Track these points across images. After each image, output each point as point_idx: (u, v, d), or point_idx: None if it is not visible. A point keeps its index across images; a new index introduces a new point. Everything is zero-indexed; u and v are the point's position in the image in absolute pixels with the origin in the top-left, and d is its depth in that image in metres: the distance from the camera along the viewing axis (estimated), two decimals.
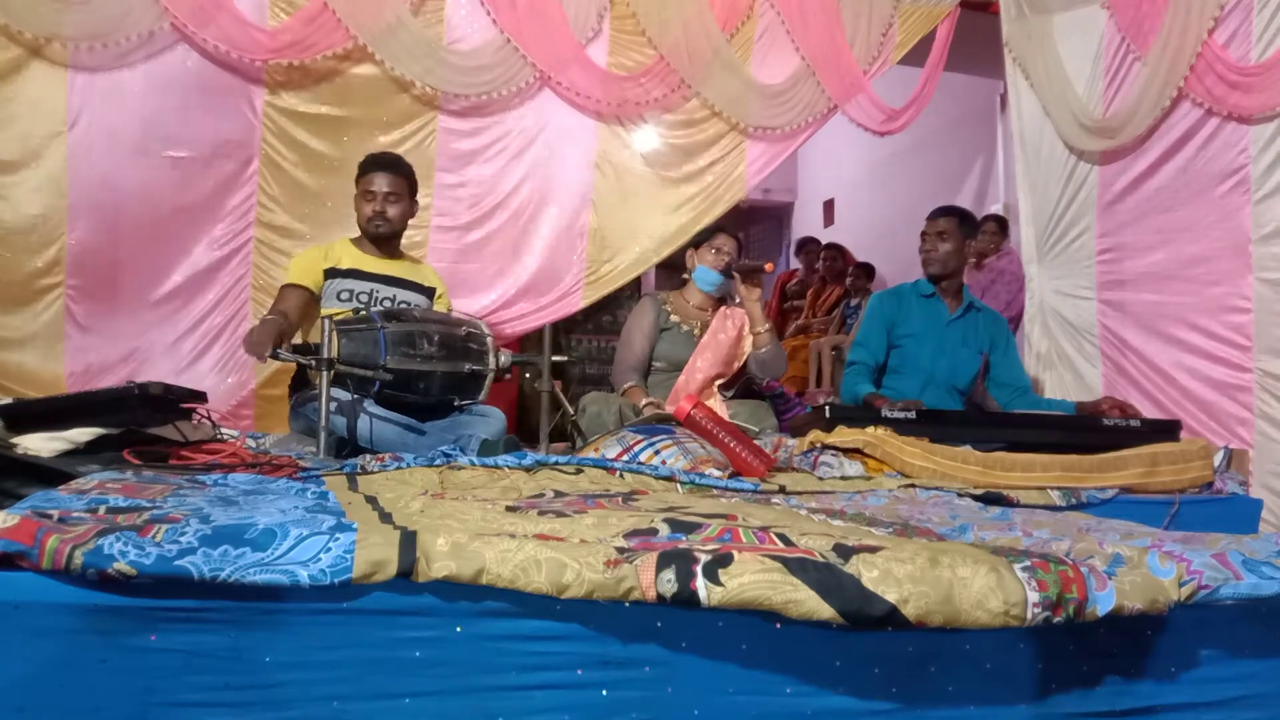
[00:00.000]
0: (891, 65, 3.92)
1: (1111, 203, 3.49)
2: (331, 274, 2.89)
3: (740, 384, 3.29)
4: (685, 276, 3.31)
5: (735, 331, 3.20)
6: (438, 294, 3.06)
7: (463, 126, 3.57)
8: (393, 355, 2.44)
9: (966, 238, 3.21)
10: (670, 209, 3.80)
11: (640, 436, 2.33)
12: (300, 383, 2.81)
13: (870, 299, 3.41)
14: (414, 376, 2.49)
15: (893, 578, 1.09)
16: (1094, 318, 3.56)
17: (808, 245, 7.19)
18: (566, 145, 3.70)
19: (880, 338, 3.20)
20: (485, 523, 1.32)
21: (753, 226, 8.77)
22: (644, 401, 2.98)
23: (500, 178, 3.64)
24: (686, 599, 1.07)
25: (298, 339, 2.80)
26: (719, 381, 3.21)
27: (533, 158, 3.66)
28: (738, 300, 3.23)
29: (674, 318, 3.24)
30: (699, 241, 3.31)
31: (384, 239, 2.96)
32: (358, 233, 3.04)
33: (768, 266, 3.18)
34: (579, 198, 3.74)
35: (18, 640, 0.98)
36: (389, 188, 2.93)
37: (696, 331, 3.21)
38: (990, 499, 2.14)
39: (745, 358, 3.23)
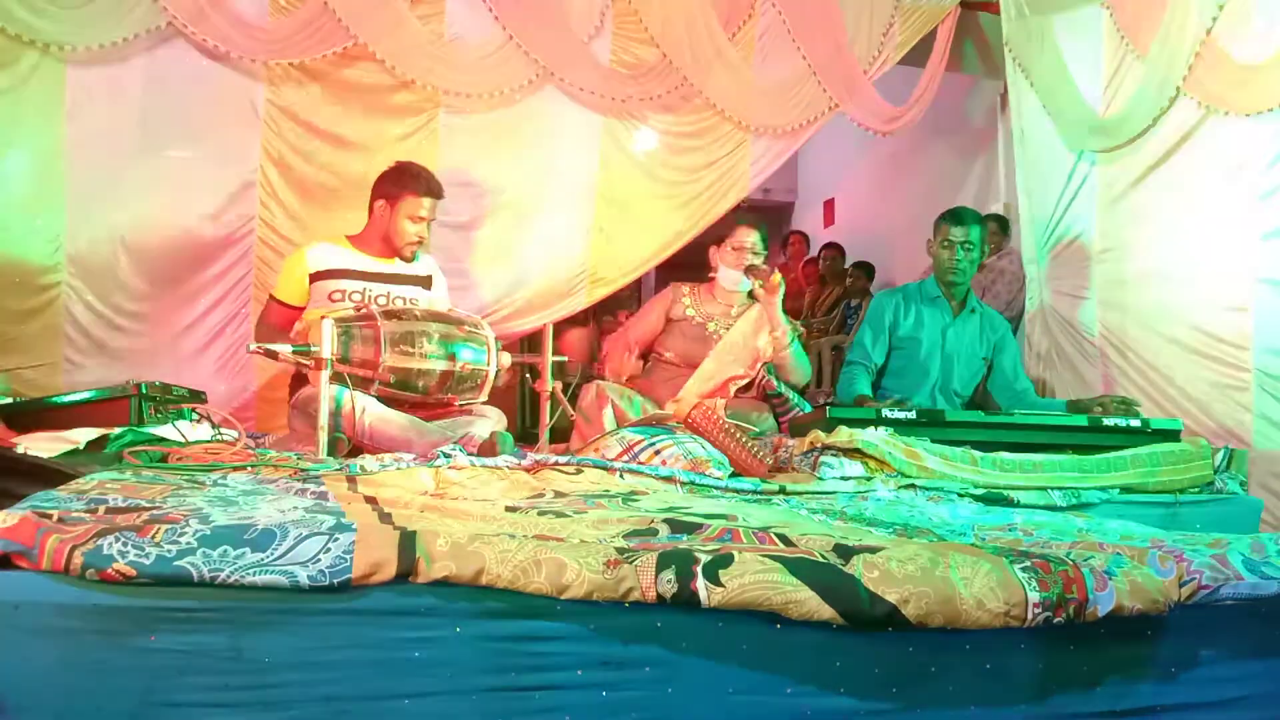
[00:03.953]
0: (892, 65, 3.91)
1: (1111, 203, 3.49)
2: (319, 277, 2.88)
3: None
4: (710, 275, 3.23)
5: (751, 329, 3.10)
6: (434, 281, 3.06)
7: (464, 124, 3.56)
8: (392, 354, 2.44)
9: (984, 244, 3.19)
10: (674, 207, 3.79)
11: (640, 436, 2.33)
12: (300, 381, 2.81)
13: (873, 298, 3.40)
14: (414, 375, 2.48)
15: (893, 578, 1.09)
16: (1094, 318, 3.56)
17: (791, 236, 7.43)
18: (569, 143, 3.70)
19: (881, 338, 3.19)
20: (485, 523, 1.32)
21: None
22: (626, 373, 2.96)
23: (502, 175, 3.63)
24: (687, 599, 1.07)
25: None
26: (739, 382, 3.10)
27: (535, 155, 3.66)
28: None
29: (689, 310, 3.17)
30: (721, 237, 3.20)
31: (414, 259, 3.00)
32: (358, 230, 3.03)
33: (774, 279, 3.05)
34: (582, 196, 3.73)
35: (18, 640, 0.98)
36: (434, 214, 2.97)
37: (711, 327, 3.14)
38: (990, 499, 2.14)
39: (766, 358, 3.12)
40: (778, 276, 3.02)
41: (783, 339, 3.06)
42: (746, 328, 3.11)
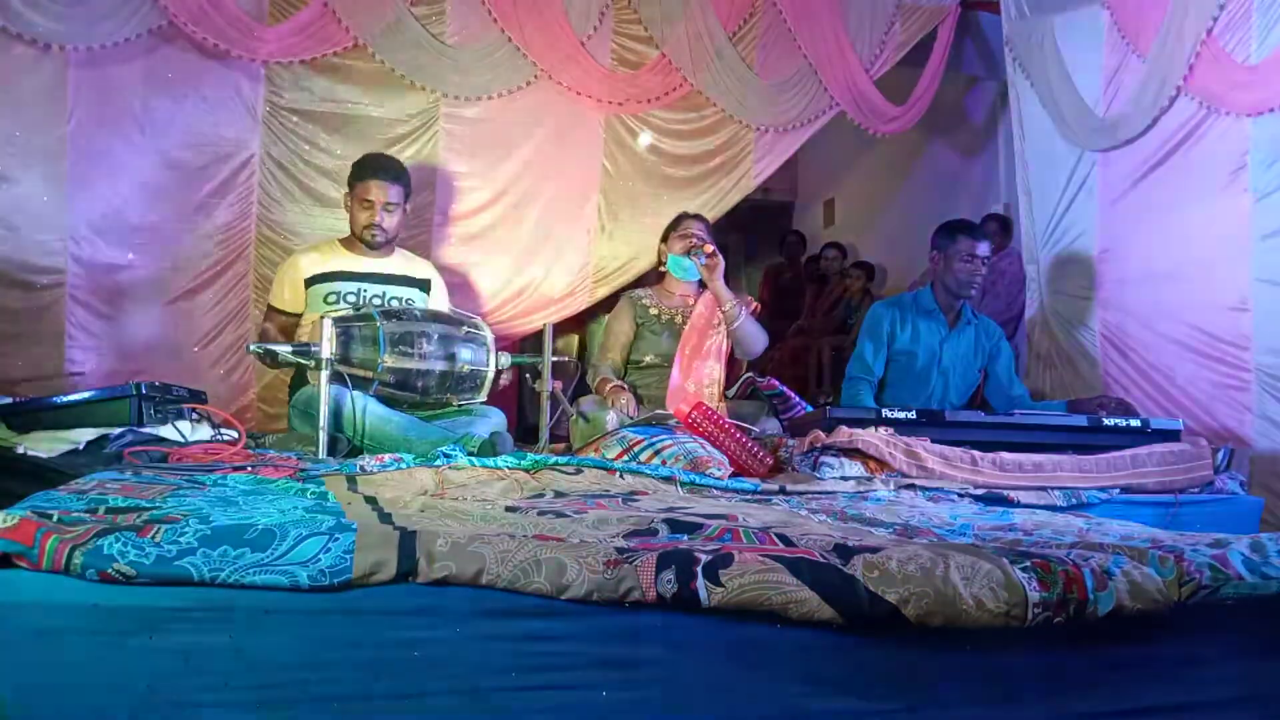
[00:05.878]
0: (893, 65, 3.92)
1: (1111, 203, 3.49)
2: (314, 280, 2.89)
3: (740, 384, 3.27)
4: (661, 270, 3.28)
5: (707, 310, 3.14)
6: (431, 285, 3.06)
7: (465, 125, 3.57)
8: (392, 354, 2.44)
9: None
10: (676, 206, 3.79)
11: (640, 437, 2.33)
12: (300, 381, 2.81)
13: (869, 310, 3.39)
14: (413, 375, 2.49)
15: (893, 578, 1.09)
16: (1094, 317, 3.56)
17: (790, 237, 7.49)
18: (570, 142, 3.70)
19: (881, 350, 3.19)
20: (485, 523, 1.32)
21: (753, 227, 8.75)
22: (609, 385, 2.98)
23: (504, 175, 3.64)
24: (687, 599, 1.07)
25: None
26: (709, 364, 3.13)
27: (536, 155, 3.66)
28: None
29: (653, 311, 3.20)
30: (666, 234, 3.27)
31: (377, 247, 2.96)
32: (348, 232, 3.03)
33: (706, 248, 3.08)
34: (584, 195, 3.74)
35: (18, 640, 0.98)
36: (387, 197, 2.90)
37: (679, 320, 3.16)
38: (990, 499, 2.14)
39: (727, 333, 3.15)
40: (715, 256, 3.05)
41: (731, 313, 3.07)
42: (702, 309, 3.15)
